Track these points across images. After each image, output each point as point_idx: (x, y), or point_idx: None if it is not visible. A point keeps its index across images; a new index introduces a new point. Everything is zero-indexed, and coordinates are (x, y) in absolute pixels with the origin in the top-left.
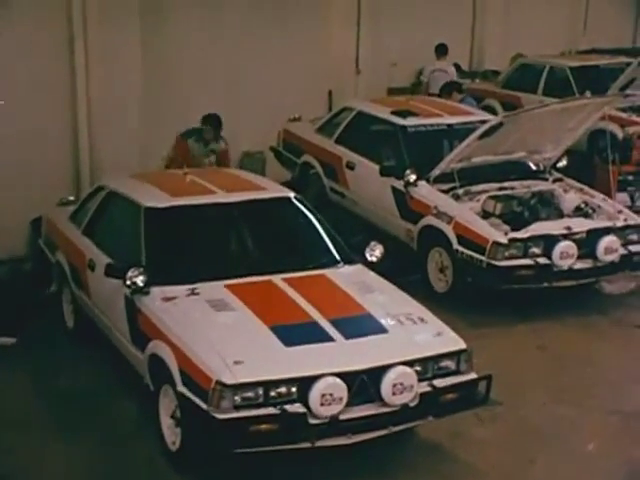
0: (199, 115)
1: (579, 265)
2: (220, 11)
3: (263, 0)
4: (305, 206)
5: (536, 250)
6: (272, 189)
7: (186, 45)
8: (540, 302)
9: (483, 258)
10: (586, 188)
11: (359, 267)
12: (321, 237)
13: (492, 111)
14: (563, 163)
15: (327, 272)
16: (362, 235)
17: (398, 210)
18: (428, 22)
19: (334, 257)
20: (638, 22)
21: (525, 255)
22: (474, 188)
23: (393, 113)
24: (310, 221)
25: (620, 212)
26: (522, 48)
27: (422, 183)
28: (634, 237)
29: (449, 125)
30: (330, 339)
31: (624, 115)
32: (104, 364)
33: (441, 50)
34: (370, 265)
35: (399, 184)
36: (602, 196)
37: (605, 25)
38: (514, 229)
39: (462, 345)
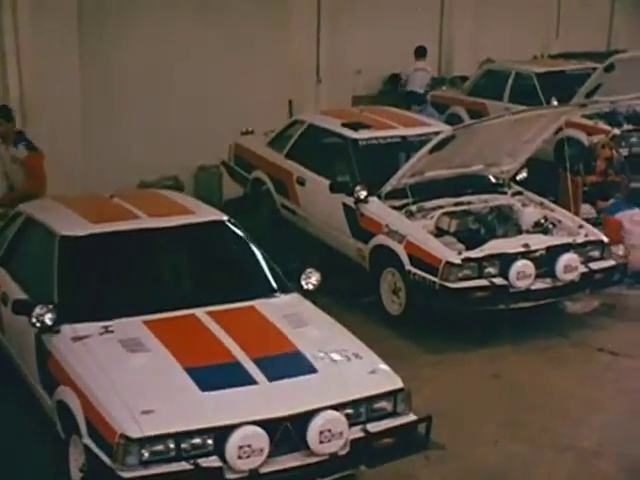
0: (149, 128)
1: (537, 285)
2: (168, 19)
3: (216, 5)
4: (238, 230)
5: (492, 270)
6: (202, 213)
7: (132, 55)
8: (499, 323)
9: (435, 279)
10: (546, 202)
11: (294, 297)
12: (253, 264)
13: (458, 119)
14: (523, 175)
15: (257, 303)
16: (298, 261)
17: (349, 228)
18: (394, 27)
19: (267, 286)
20: (612, 25)
21: (480, 276)
22: (428, 204)
23: (344, 125)
24: (242, 247)
25: (581, 227)
26: (493, 53)
27: (373, 199)
28: (595, 254)
29: (403, 137)
30: (252, 382)
31: (590, 122)
32: (19, 405)
33: (420, 52)
34: (306, 294)
35: (350, 201)
36: (563, 210)
37: (578, 29)
38: (469, 247)
39: (399, 384)
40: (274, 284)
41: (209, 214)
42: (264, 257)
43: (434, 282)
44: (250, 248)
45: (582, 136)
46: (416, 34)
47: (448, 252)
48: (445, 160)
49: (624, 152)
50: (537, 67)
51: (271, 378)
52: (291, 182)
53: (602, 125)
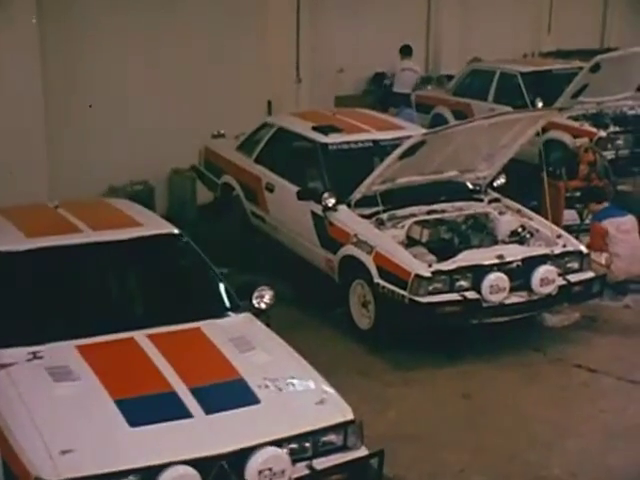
0: (119, 130)
1: (512, 299)
2: (140, 17)
3: (191, 2)
4: (189, 245)
5: (464, 283)
6: (150, 225)
7: (100, 54)
8: (473, 337)
9: (405, 293)
10: (524, 209)
11: (245, 317)
12: (203, 282)
13: (443, 120)
14: (501, 181)
15: (204, 325)
16: (249, 276)
17: (318, 238)
18: (379, 24)
19: (216, 305)
20: (606, 22)
21: (451, 289)
22: (400, 212)
23: (314, 129)
24: (192, 263)
25: (559, 237)
26: (483, 51)
27: (342, 207)
28: (574, 265)
29: (375, 142)
30: (187, 415)
31: (576, 124)
32: None
33: (406, 51)
34: (258, 313)
35: (318, 209)
36: (541, 219)
37: (571, 25)
38: (441, 259)
39: (349, 415)
40: (224, 303)
41: (158, 227)
42: (216, 274)
43: (403, 296)
44: (201, 264)
45: (567, 138)
46: (403, 31)
47: (417, 264)
48: (418, 166)
49: (610, 155)
50: (522, 66)
51: (208, 410)
52: (260, 188)
53: (588, 127)
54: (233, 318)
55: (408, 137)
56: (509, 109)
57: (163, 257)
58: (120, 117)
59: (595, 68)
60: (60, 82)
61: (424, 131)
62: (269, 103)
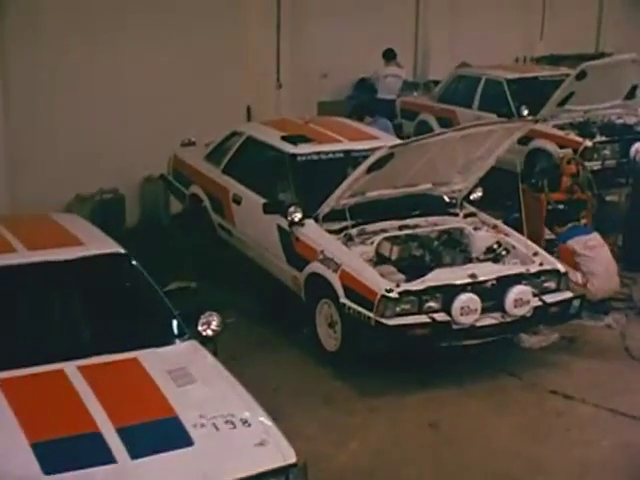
0: (88, 136)
1: (484, 321)
2: (113, 19)
3: (168, 4)
4: (134, 266)
5: (433, 304)
6: (93, 245)
7: (66, 55)
8: (445, 360)
9: (371, 315)
10: (501, 225)
11: (189, 345)
12: (147, 307)
13: (427, 127)
14: (478, 195)
15: (143, 355)
16: (196, 302)
17: (284, 253)
18: (364, 28)
19: (158, 333)
20: (601, 26)
21: (420, 311)
22: (370, 227)
23: (283, 139)
24: (136, 286)
25: (536, 254)
26: (472, 56)
27: (309, 222)
28: (551, 285)
29: (347, 152)
30: (110, 460)
31: (561, 133)
32: None
33: (389, 55)
34: (205, 340)
35: (285, 223)
36: (518, 235)
37: (565, 30)
38: (411, 278)
39: (292, 458)
40: (168, 330)
41: (101, 246)
42: (162, 298)
43: (369, 318)
44: (146, 287)
45: (553, 148)
46: (389, 36)
47: (384, 284)
48: (389, 179)
49: (596, 165)
50: (508, 73)
51: (134, 454)
52: (227, 200)
53: (573, 136)
54: (176, 347)
55: (381, 148)
56: (494, 117)
57: (104, 280)
58: (88, 122)
59: (581, 76)
60: (22, 84)
61: (392, 143)
62: (248, 109)
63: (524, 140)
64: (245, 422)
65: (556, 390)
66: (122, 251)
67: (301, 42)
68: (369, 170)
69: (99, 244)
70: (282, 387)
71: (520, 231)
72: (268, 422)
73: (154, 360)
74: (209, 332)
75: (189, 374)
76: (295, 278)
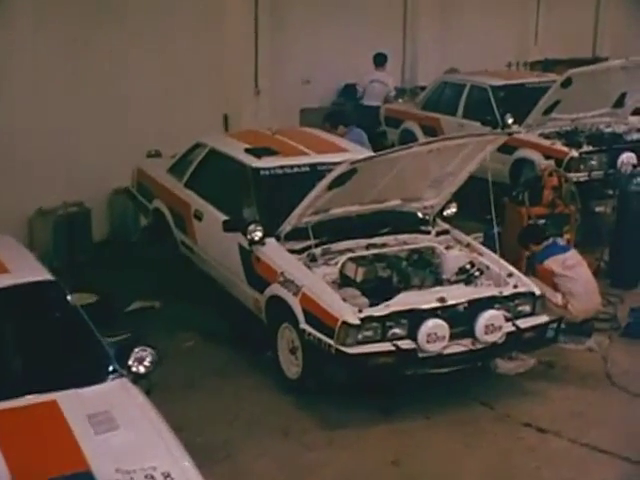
0: (53, 145)
1: (453, 348)
2: (84, 23)
3: (140, 7)
4: (61, 295)
5: (398, 331)
6: (20, 272)
7: (34, 60)
8: (413, 388)
9: (331, 342)
10: (474, 243)
11: (118, 384)
12: (72, 342)
13: (411, 136)
14: (452, 211)
15: (62, 397)
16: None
17: (245, 274)
18: (350, 32)
19: (84, 371)
20: (597, 30)
21: (384, 338)
22: (335, 246)
23: (247, 151)
24: (62, 318)
25: (510, 276)
26: (463, 61)
27: (270, 241)
28: (525, 308)
29: (313, 166)
30: None
31: (547, 143)
32: None
33: (379, 60)
34: (137, 378)
35: (246, 242)
36: (492, 254)
37: (561, 34)
38: (376, 302)
39: None
40: (96, 367)
41: (28, 274)
42: (91, 330)
43: (329, 345)
44: (74, 318)
45: (538, 158)
46: (376, 40)
47: (346, 309)
48: (355, 195)
49: (583, 176)
50: (493, 79)
51: None
52: (189, 215)
53: (559, 146)
54: (103, 386)
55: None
56: (478, 125)
57: (27, 311)
58: (52, 131)
59: (567, 83)
60: None
61: (352, 159)
62: (225, 117)
63: (509, 150)
64: (167, 476)
65: (530, 422)
66: (51, 279)
67: (281, 46)
68: (330, 187)
69: (26, 271)
70: (239, 418)
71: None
72: (194, 474)
73: (75, 403)
74: (141, 369)
75: (112, 419)
76: (256, 300)
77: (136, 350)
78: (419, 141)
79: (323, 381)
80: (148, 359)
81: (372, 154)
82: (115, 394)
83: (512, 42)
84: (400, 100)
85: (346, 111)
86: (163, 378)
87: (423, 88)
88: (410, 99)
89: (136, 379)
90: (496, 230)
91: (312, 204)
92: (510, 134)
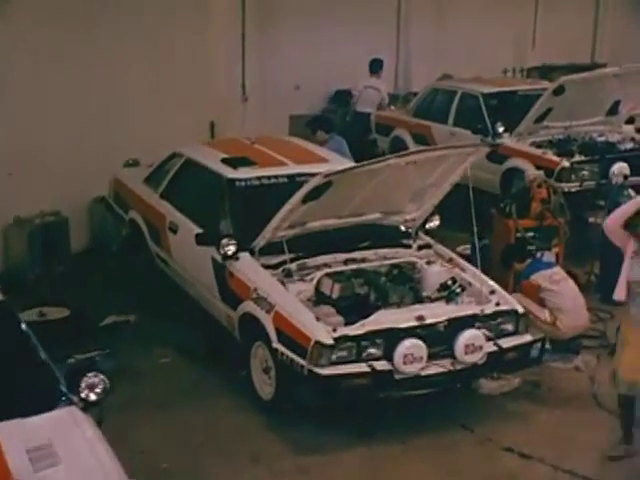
0: (31, 152)
1: (431, 370)
2: (67, 26)
3: (122, 12)
4: (8, 315)
5: (374, 351)
6: None
7: (14, 66)
8: (391, 409)
9: (304, 363)
10: (457, 258)
11: (66, 413)
12: (17, 366)
13: (402, 144)
14: (435, 223)
15: (3, 428)
16: (99, 351)
17: (218, 290)
18: (342, 37)
19: (30, 398)
20: (596, 36)
21: (358, 358)
22: (312, 261)
23: (223, 162)
24: (7, 341)
25: (493, 293)
26: (458, 67)
27: (244, 256)
28: (508, 327)
29: (291, 177)
30: None
31: (538, 152)
32: None
33: (375, 66)
34: (88, 406)
35: (219, 256)
36: (474, 270)
37: (559, 39)
38: (351, 320)
39: None
40: (43, 395)
41: None
42: (38, 353)
43: (302, 366)
44: (21, 342)
45: (529, 168)
46: (369, 45)
47: (319, 329)
48: (332, 208)
49: (574, 187)
50: (485, 87)
51: None
52: (164, 228)
53: (550, 156)
54: (50, 416)
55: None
56: (468, 133)
57: None
58: (30, 137)
59: (559, 91)
60: None
61: (326, 172)
62: (212, 124)
63: (499, 159)
64: None
65: (512, 447)
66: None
67: (271, 52)
68: (305, 200)
69: None
70: (209, 441)
71: (489, 258)
72: None
73: (16, 435)
74: (92, 396)
75: (53, 453)
76: (229, 317)
77: (88, 375)
78: (395, 153)
79: (297, 403)
80: (100, 386)
81: (346, 167)
82: (62, 424)
83: (509, 48)
84: (392, 107)
85: (331, 118)
86: (133, 397)
87: (416, 94)
88: (403, 106)
89: (87, 407)
90: (477, 244)
91: (287, 217)
92: (492, 146)
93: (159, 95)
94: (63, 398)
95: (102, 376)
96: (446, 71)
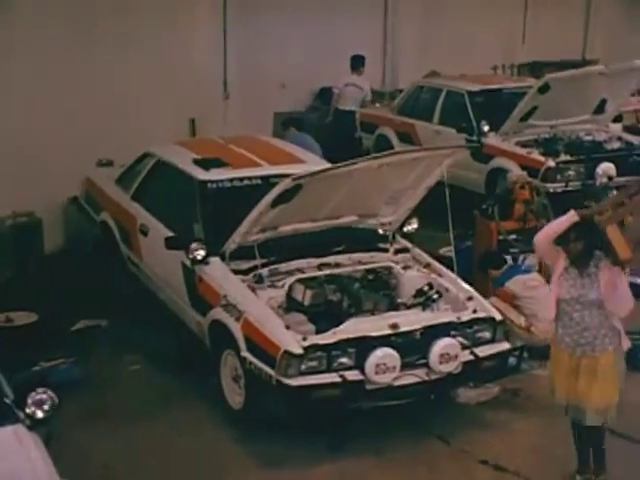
0: (8, 155)
1: (404, 379)
2: (40, 23)
3: (98, 10)
4: None
5: (345, 360)
6: None
7: None
8: (365, 419)
9: (272, 373)
10: (435, 263)
11: (10, 433)
12: None
13: (386, 142)
14: (413, 227)
15: None
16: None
17: (187, 295)
18: (327, 33)
19: None
20: (588, 32)
21: (329, 368)
22: (285, 266)
23: (195, 163)
24: None
25: (470, 299)
26: (447, 64)
27: (215, 261)
28: (485, 335)
29: (265, 178)
30: None
31: (523, 151)
32: None
33: (356, 63)
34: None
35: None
36: (452, 275)
37: (549, 35)
38: (323, 328)
39: None
40: None
41: None
42: None
43: (270, 376)
44: None
45: (515, 168)
46: (355, 41)
47: (288, 337)
48: (306, 211)
49: (559, 187)
50: (470, 84)
51: None
52: (134, 230)
53: (535, 155)
54: None
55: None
56: (453, 131)
57: None
58: (1, 134)
59: (544, 89)
60: None
61: (294, 175)
62: (192, 122)
63: (484, 158)
64: None
65: (487, 459)
66: None
67: (254, 48)
68: (275, 203)
69: None
70: (175, 454)
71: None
72: None
73: None
74: (39, 414)
75: None
76: (199, 324)
77: (37, 391)
78: (366, 156)
79: (267, 413)
80: (48, 403)
81: (315, 170)
82: (5, 444)
83: (498, 43)
84: (378, 105)
85: (302, 118)
86: (99, 407)
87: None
88: (389, 103)
89: (34, 425)
90: (460, 246)
91: (257, 222)
92: (469, 148)
93: (137, 92)
94: (10, 415)
95: (51, 393)
96: (435, 68)
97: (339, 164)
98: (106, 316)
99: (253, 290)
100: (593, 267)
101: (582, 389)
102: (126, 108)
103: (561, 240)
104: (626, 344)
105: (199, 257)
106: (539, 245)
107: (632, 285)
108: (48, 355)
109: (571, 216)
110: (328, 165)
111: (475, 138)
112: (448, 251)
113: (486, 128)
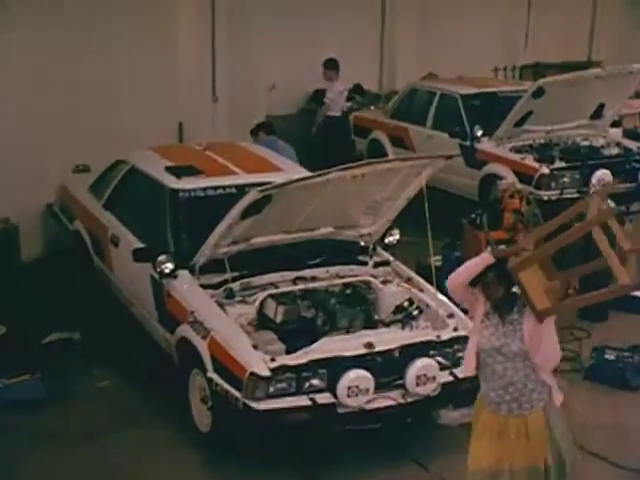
0: None
1: (378, 403)
2: (26, 24)
3: (84, 12)
4: None
5: (316, 382)
6: None
7: None
8: (341, 443)
9: (238, 395)
10: (416, 278)
11: None
12: None
13: (379, 146)
14: (395, 238)
15: None
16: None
17: (156, 310)
18: (321, 34)
19: None
20: (594, 33)
21: (299, 391)
22: (257, 280)
23: (167, 170)
24: None
25: (451, 316)
26: (447, 65)
27: (183, 274)
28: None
29: (240, 187)
30: None
31: (517, 157)
32: None
33: (328, 66)
34: None
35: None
36: (433, 290)
37: (554, 36)
38: (294, 348)
39: None
40: None
41: None
42: None
43: (237, 399)
44: None
45: (509, 174)
46: (351, 43)
47: (255, 358)
48: (280, 222)
49: (554, 195)
50: (464, 88)
51: None
52: (106, 240)
53: (529, 162)
54: None
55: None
56: (446, 136)
57: None
58: None
59: (538, 93)
60: None
61: (261, 188)
62: (180, 125)
63: (478, 164)
64: None
65: None
66: None
67: (244, 50)
68: (245, 215)
69: None
70: (139, 475)
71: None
72: None
73: None
74: None
75: None
76: (167, 340)
77: None
78: (338, 166)
79: (236, 437)
80: None
81: (284, 181)
82: None
83: (500, 45)
84: (372, 107)
85: (272, 122)
86: (62, 426)
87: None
88: (384, 106)
89: None
90: (433, 263)
91: (226, 234)
92: (449, 157)
93: (123, 95)
94: None
95: None
96: (433, 70)
97: (309, 175)
98: (79, 329)
99: (222, 306)
100: (516, 314)
101: (513, 452)
102: (112, 112)
103: (479, 281)
104: (559, 400)
105: (167, 270)
106: (453, 290)
107: (633, 299)
108: (11, 372)
109: (486, 257)
110: (301, 175)
111: (468, 143)
112: (437, 261)
113: (479, 133)
